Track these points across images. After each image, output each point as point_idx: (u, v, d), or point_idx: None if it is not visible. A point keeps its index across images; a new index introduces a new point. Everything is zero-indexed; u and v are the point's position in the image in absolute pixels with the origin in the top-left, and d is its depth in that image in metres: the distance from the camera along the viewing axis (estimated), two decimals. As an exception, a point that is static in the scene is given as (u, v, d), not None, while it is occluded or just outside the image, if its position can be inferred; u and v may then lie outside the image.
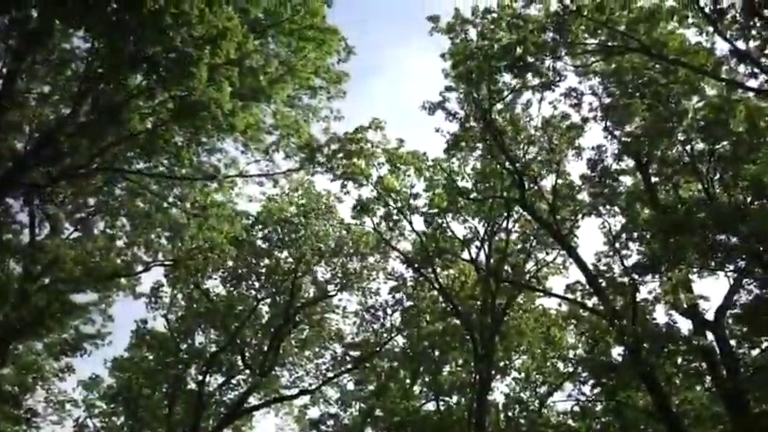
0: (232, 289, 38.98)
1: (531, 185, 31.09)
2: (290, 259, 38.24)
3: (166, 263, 32.43)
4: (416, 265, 36.12)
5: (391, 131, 46.10)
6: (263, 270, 38.48)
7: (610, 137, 29.53)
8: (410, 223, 35.42)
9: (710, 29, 24.22)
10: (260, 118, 25.70)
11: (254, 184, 29.22)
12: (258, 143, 26.37)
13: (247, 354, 38.90)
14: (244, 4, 21.45)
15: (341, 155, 32.60)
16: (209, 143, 25.68)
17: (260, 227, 37.46)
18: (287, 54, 24.92)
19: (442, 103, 30.16)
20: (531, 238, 35.78)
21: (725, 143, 27.23)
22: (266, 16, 23.81)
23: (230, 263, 36.88)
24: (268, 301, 39.55)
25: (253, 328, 39.48)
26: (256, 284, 38.85)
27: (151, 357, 39.65)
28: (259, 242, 37.88)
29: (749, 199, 26.77)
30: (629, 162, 29.89)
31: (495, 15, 27.51)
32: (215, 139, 25.20)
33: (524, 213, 33.31)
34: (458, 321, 35.57)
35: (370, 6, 72.11)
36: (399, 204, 35.11)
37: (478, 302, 35.50)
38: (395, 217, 35.54)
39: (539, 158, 31.25)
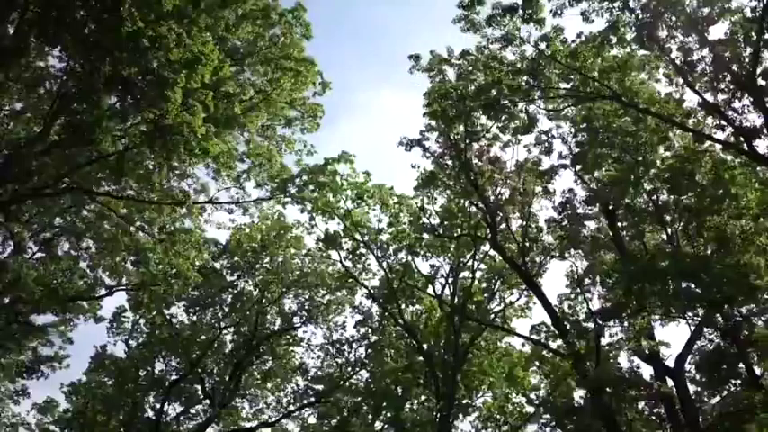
0: (195, 317, 38.55)
1: (502, 226, 31.34)
2: (256, 289, 38.00)
3: (130, 287, 31.96)
4: (381, 300, 36.14)
5: (365, 167, 46.35)
6: (229, 299, 38.16)
7: (579, 182, 30.00)
8: (376, 258, 35.57)
9: (680, 80, 24.84)
10: (233, 145, 25.70)
11: (224, 212, 29.06)
12: (229, 170, 26.29)
13: (208, 383, 38.38)
14: (222, 32, 21.56)
15: (311, 186, 32.71)
16: (180, 168, 25.52)
17: (227, 255, 37.20)
18: (263, 83, 25.05)
19: (419, 141, 30.50)
20: (496, 277, 36.01)
21: (690, 194, 27.76)
22: (244, 45, 23.96)
23: (195, 290, 36.43)
24: (231, 330, 39.17)
25: (215, 357, 38.99)
26: (220, 313, 38.48)
27: (109, 383, 38.87)
28: (226, 270, 37.57)
29: (712, 250, 27.25)
30: (596, 208, 30.28)
31: (472, 57, 27.89)
32: (186, 165, 25.03)
33: (490, 252, 33.58)
34: (421, 358, 35.49)
35: (351, 45, 72.99)
36: (366, 238, 35.24)
37: (442, 340, 35.50)
38: (361, 251, 35.67)
39: (510, 199, 31.56)
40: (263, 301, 37.61)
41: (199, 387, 38.03)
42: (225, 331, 38.88)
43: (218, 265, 36.83)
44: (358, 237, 35.16)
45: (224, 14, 21.02)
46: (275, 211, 35.22)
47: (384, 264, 35.50)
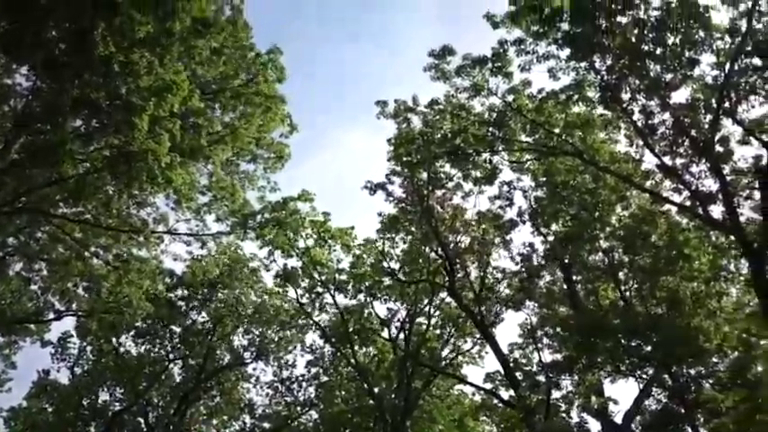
0: (144, 347, 37.80)
1: (459, 273, 31.51)
2: (209, 322, 37.46)
3: (80, 313, 31.20)
4: (334, 340, 35.90)
5: (332, 206, 46.43)
6: (179, 330, 37.55)
7: (537, 235, 30.41)
8: (333, 298, 35.42)
9: (641, 142, 25.43)
10: (196, 177, 25.51)
11: (182, 243, 28.73)
12: (190, 202, 26.03)
13: (152, 416, 37.50)
14: (195, 65, 21.58)
15: (272, 224, 32.58)
16: (141, 196, 25.23)
17: (182, 286, 36.68)
18: (231, 117, 25.01)
19: (383, 185, 30.68)
20: (451, 324, 36.07)
21: (645, 254, 28.27)
22: (217, 81, 23.97)
23: (146, 320, 35.75)
24: (180, 362, 38.44)
25: (161, 389, 38.19)
26: (169, 345, 37.79)
27: (50, 410, 37.69)
28: (179, 302, 36.99)
29: (663, 310, 27.70)
30: (552, 262, 30.64)
31: (439, 107, 28.26)
32: (147, 193, 24.76)
33: (446, 299, 33.67)
34: (372, 401, 35.20)
35: (324, 83, 73.38)
36: (324, 278, 35.12)
37: (394, 384, 35.31)
38: (318, 290, 35.50)
39: (470, 248, 31.81)
40: (215, 334, 37.06)
41: (142, 420, 37.12)
42: (173, 363, 38.17)
43: (171, 296, 36.19)
44: (316, 275, 34.99)
45: (198, 44, 21.00)
46: (233, 246, 34.99)
47: (340, 304, 35.34)
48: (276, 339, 38.37)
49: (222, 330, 37.41)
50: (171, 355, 37.84)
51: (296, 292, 35.54)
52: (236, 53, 23.39)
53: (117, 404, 37.70)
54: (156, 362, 37.61)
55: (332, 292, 35.23)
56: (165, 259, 30.22)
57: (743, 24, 22.63)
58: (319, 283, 35.15)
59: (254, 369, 39.17)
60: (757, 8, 22.47)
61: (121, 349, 37.56)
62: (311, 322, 36.66)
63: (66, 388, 37.14)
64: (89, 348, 37.62)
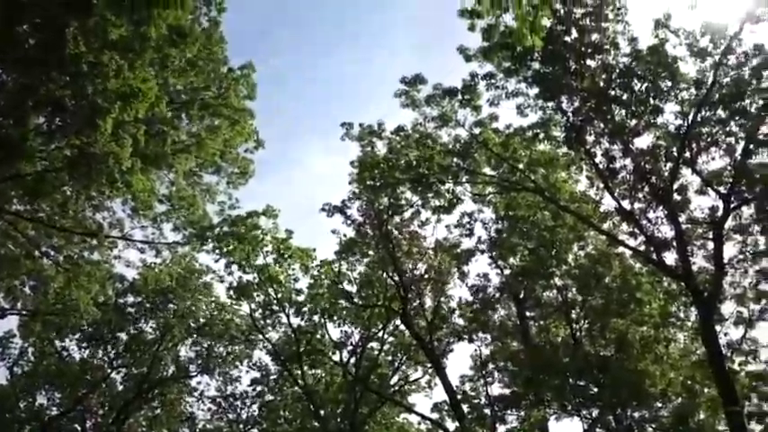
0: (88, 352, 36.97)
1: (414, 301, 31.51)
2: (156, 331, 36.80)
3: (24, 312, 30.42)
4: (284, 359, 35.52)
5: (292, 224, 46.11)
6: (125, 338, 36.81)
7: (494, 267, 30.60)
8: (287, 316, 35.07)
9: (601, 184, 25.82)
10: (156, 184, 25.13)
11: (136, 250, 28.24)
12: (148, 210, 25.60)
13: (89, 423, 36.59)
14: (167, 74, 21.34)
15: (231, 238, 32.24)
16: (98, 199, 24.76)
17: (133, 293, 36.00)
18: (198, 128, 24.73)
19: (341, 208, 30.63)
20: (403, 352, 35.97)
21: (598, 295, 28.63)
22: (187, 91, 23.70)
23: (92, 325, 34.98)
24: (123, 370, 37.63)
25: (101, 397, 37.32)
26: (113, 352, 36.99)
27: (-16, 411, 36.63)
28: (128, 309, 36.27)
29: (612, 352, 28.02)
30: (507, 295, 30.84)
31: (405, 133, 28.37)
32: (105, 196, 24.30)
33: (400, 327, 33.61)
34: (317, 423, 34.84)
35: (294, 99, 73.11)
36: (280, 296, 34.81)
37: (340, 408, 35.04)
38: (273, 307, 35.15)
39: (426, 276, 31.87)
40: (162, 344, 36.42)
41: (79, 427, 36.23)
42: (116, 371, 37.37)
43: (121, 302, 35.50)
44: (272, 292, 34.63)
45: (171, 53, 20.79)
46: (188, 257, 34.50)
47: (294, 323, 34.99)
48: (224, 354, 37.80)
49: (170, 341, 36.75)
50: (114, 363, 37.02)
51: (249, 308, 35.11)
52: (209, 65, 23.16)
53: (54, 408, 36.76)
54: (99, 368, 36.75)
55: (287, 310, 34.88)
56: (117, 265, 29.75)
57: (709, 77, 23.24)
58: (275, 301, 34.78)
59: (199, 383, 38.57)
60: (724, 62, 23.12)
61: (64, 353, 36.67)
62: (261, 338, 36.20)
63: (4, 388, 36.11)
64: (31, 349, 36.69)
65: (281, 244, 33.81)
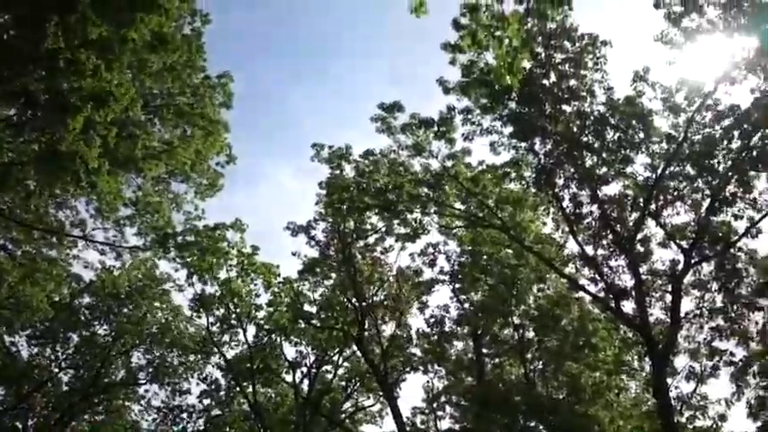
0: (36, 350, 36.20)
1: (371, 327, 31.40)
2: (109, 335, 36.19)
3: (-26, 305, 29.77)
4: (236, 375, 35.06)
5: (257, 239, 45.68)
6: (77, 339, 36.14)
7: (454, 300, 30.65)
8: (244, 332, 34.70)
9: (566, 228, 26.04)
10: (123, 187, 24.82)
11: (96, 251, 27.83)
12: (113, 212, 25.29)
13: (31, 422, 35.75)
14: (144, 77, 21.20)
15: (195, 248, 31.92)
16: (62, 196, 24.42)
17: (88, 295, 35.42)
18: (171, 135, 24.53)
19: (306, 228, 30.55)
20: (357, 378, 35.75)
21: (554, 337, 28.77)
22: (163, 96, 23.56)
23: (44, 323, 34.29)
24: (72, 372, 36.88)
25: (47, 396, 36.49)
26: (63, 352, 36.27)
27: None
28: (83, 310, 35.65)
29: (564, 395, 28.11)
30: (465, 330, 30.86)
31: (375, 158, 28.44)
32: (69, 194, 23.97)
33: (356, 352, 33.43)
34: (263, 443, 34.46)
35: (266, 117, 72.83)
36: (239, 310, 34.45)
37: (289, 429, 34.67)
38: (232, 321, 34.76)
39: (385, 303, 31.80)
40: (113, 349, 35.80)
41: (20, 425, 35.36)
42: (64, 372, 36.63)
43: (75, 303, 34.89)
44: (232, 307, 34.26)
45: (150, 58, 20.66)
46: (149, 262, 34.07)
47: (250, 339, 34.63)
48: (176, 364, 37.22)
49: (121, 346, 36.17)
50: (63, 363, 36.30)
51: (207, 320, 34.70)
52: (188, 72, 23.05)
53: (-3, 405, 35.88)
54: (46, 367, 36.01)
55: (244, 325, 34.52)
56: (75, 264, 29.30)
57: (681, 132, 23.65)
58: (233, 315, 34.41)
59: (147, 391, 37.88)
60: (697, 119, 23.55)
61: (12, 348, 35.84)
62: (216, 352, 35.72)
63: (-56, 382, 35.23)
64: (-23, 343, 35.82)
65: (246, 259, 33.55)
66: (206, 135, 24.35)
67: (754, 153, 23.08)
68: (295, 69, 76.12)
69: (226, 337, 35.66)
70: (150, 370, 37.12)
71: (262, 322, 34.71)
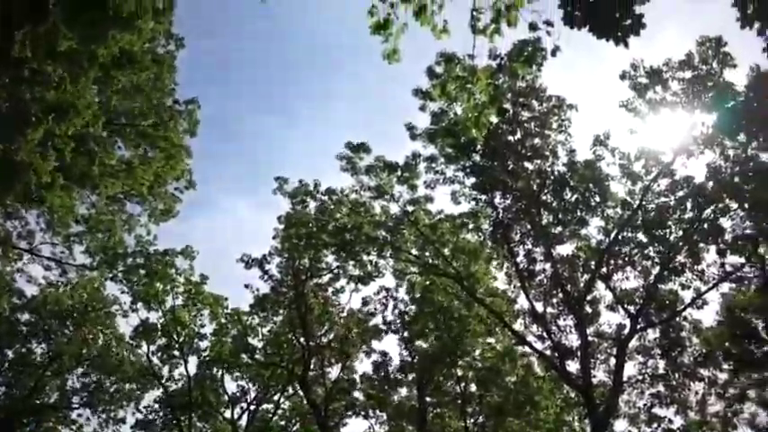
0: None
1: (317, 368, 31.02)
2: (46, 355, 35.08)
3: None
4: (174, 407, 34.18)
5: (210, 267, 44.79)
6: (12, 355, 34.96)
7: (402, 347, 30.46)
8: (185, 363, 33.92)
9: (518, 283, 26.21)
10: (76, 203, 24.30)
11: (41, 266, 27.14)
12: (64, 227, 24.73)
13: (-48, 438, 34.31)
14: (111, 94, 20.98)
15: (143, 271, 31.36)
16: (13, 207, 23.82)
17: (28, 311, 34.37)
18: (132, 155, 24.15)
19: (261, 262, 30.26)
20: (297, 419, 35.14)
21: (496, 392, 28.73)
22: (128, 116, 23.28)
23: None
24: (3, 389, 35.60)
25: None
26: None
27: None
28: (21, 326, 34.53)
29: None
30: (409, 377, 30.65)
31: (337, 197, 28.41)
32: (20, 206, 23.40)
33: (299, 392, 32.94)
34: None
35: (228, 146, 72.04)
36: (182, 339, 33.73)
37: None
38: (174, 352, 33.99)
39: (332, 345, 31.47)
40: (49, 369, 34.70)
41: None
42: (-6, 389, 35.31)
43: (14, 318, 33.83)
44: (175, 336, 33.53)
45: (118, 75, 20.44)
46: (96, 283, 33.28)
47: (192, 371, 33.87)
48: (112, 390, 36.14)
49: (58, 367, 35.06)
50: (-5, 380, 35.06)
51: (149, 348, 33.87)
52: (155, 94, 22.81)
53: None
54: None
55: (186, 356, 33.77)
56: (18, 278, 28.51)
57: (637, 200, 24.14)
58: (176, 345, 33.65)
59: (80, 416, 36.62)
60: (653, 188, 24.09)
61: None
62: (155, 382, 34.80)
63: None
64: None
65: (194, 287, 33.01)
66: (167, 158, 24.00)
67: (705, 226, 23.66)
68: (261, 101, 75.77)
69: (166, 368, 34.81)
70: (85, 394, 35.98)
71: (204, 354, 33.96)
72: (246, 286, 31.19)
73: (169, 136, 23.58)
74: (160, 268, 31.54)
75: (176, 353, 34.01)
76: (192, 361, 33.98)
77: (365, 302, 30.91)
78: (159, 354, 34.21)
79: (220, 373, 34.29)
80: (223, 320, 33.76)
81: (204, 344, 34.07)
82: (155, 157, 24.25)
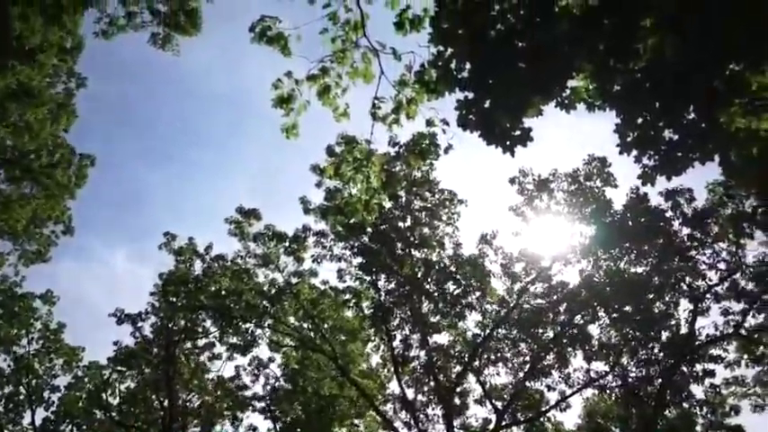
0: None
1: (176, 432, 29.80)
2: None
3: None
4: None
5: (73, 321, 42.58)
6: None
7: (268, 419, 29.73)
8: (32, 414, 31.62)
9: (392, 368, 26.28)
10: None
11: None
12: None
13: None
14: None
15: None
16: None
17: None
18: (10, 189, 22.89)
19: (134, 319, 29.16)
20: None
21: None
22: (16, 149, 22.29)
23: None
24: None
25: None
26: None
27: None
28: None
29: None
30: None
31: (223, 263, 27.98)
32: None
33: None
34: None
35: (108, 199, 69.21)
36: (31, 389, 31.43)
37: None
38: (19, 398, 31.70)
39: (198, 411, 30.35)
40: None
41: None
42: None
43: None
44: (25, 384, 31.29)
45: (11, 108, 19.55)
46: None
47: (38, 422, 31.62)
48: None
49: None
50: None
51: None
52: (49, 137, 21.75)
53: None
54: None
55: (34, 407, 31.53)
56: None
57: (514, 299, 24.98)
58: (23, 394, 31.37)
59: None
60: (530, 289, 25.05)
61: None
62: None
63: None
64: None
65: (52, 334, 31.23)
66: (47, 198, 22.93)
67: (575, 330, 24.70)
68: (157, 152, 74.04)
69: (10, 418, 32.24)
70: None
71: (54, 407, 31.78)
72: (115, 343, 29.87)
73: (53, 174, 22.59)
74: (20, 310, 29.76)
75: (22, 400, 31.61)
76: (40, 413, 31.71)
77: (237, 373, 30.06)
78: (4, 402, 31.71)
79: (70, 428, 32.16)
80: (80, 373, 31.91)
81: (55, 396, 31.93)
82: (35, 196, 23.16)
